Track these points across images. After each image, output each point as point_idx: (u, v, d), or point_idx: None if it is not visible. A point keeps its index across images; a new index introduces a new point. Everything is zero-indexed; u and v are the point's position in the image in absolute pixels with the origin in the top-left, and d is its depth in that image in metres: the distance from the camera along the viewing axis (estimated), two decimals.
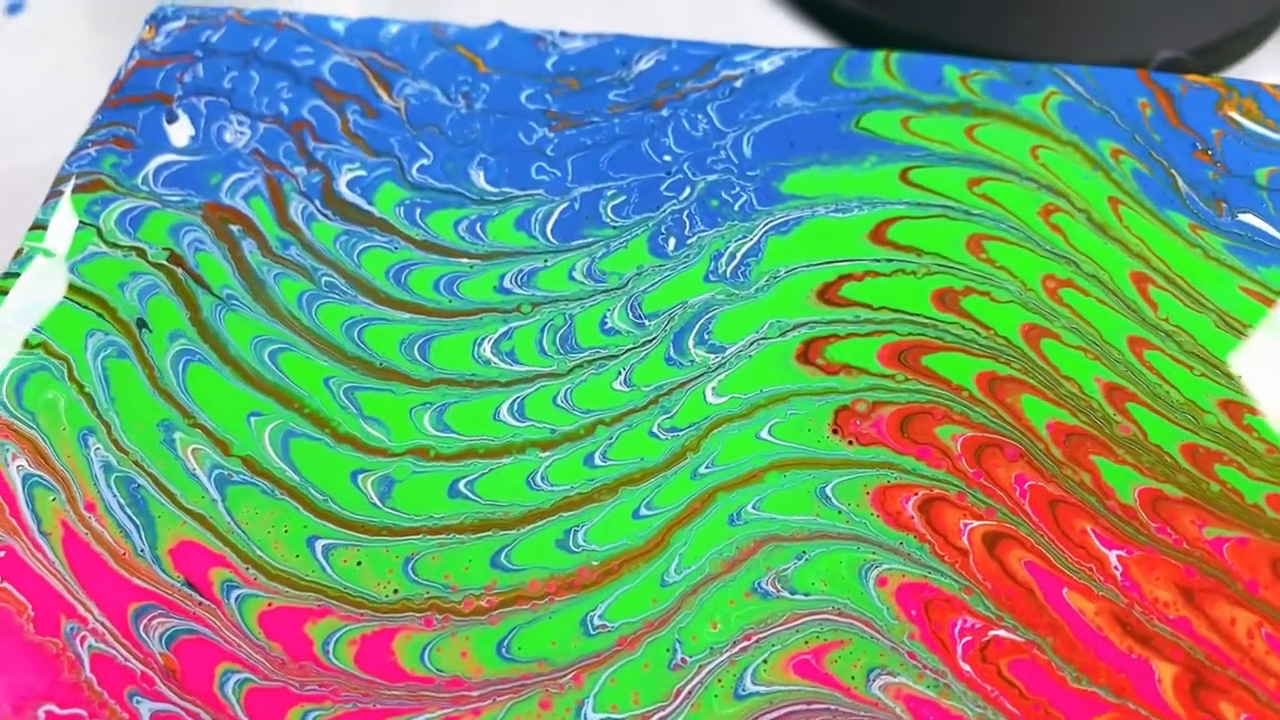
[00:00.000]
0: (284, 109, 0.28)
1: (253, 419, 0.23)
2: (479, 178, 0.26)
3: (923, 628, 0.20)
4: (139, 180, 0.26)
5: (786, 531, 0.21)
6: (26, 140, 0.36)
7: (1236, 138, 0.26)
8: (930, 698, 0.19)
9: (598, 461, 0.22)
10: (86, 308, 0.24)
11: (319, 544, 0.21)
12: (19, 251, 0.25)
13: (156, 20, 0.30)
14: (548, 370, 0.23)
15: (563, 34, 0.29)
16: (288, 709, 0.19)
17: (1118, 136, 0.26)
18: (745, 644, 0.20)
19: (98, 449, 0.22)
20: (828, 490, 0.21)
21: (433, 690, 0.19)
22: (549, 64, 0.28)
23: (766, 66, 0.28)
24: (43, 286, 0.25)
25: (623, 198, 0.25)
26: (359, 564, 0.21)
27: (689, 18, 0.38)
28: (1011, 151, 0.26)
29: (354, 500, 0.21)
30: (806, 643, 0.20)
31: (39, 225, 0.26)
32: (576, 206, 0.25)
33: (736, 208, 0.25)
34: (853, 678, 0.19)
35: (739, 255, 0.24)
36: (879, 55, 0.28)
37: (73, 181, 0.27)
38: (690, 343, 0.23)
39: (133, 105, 0.28)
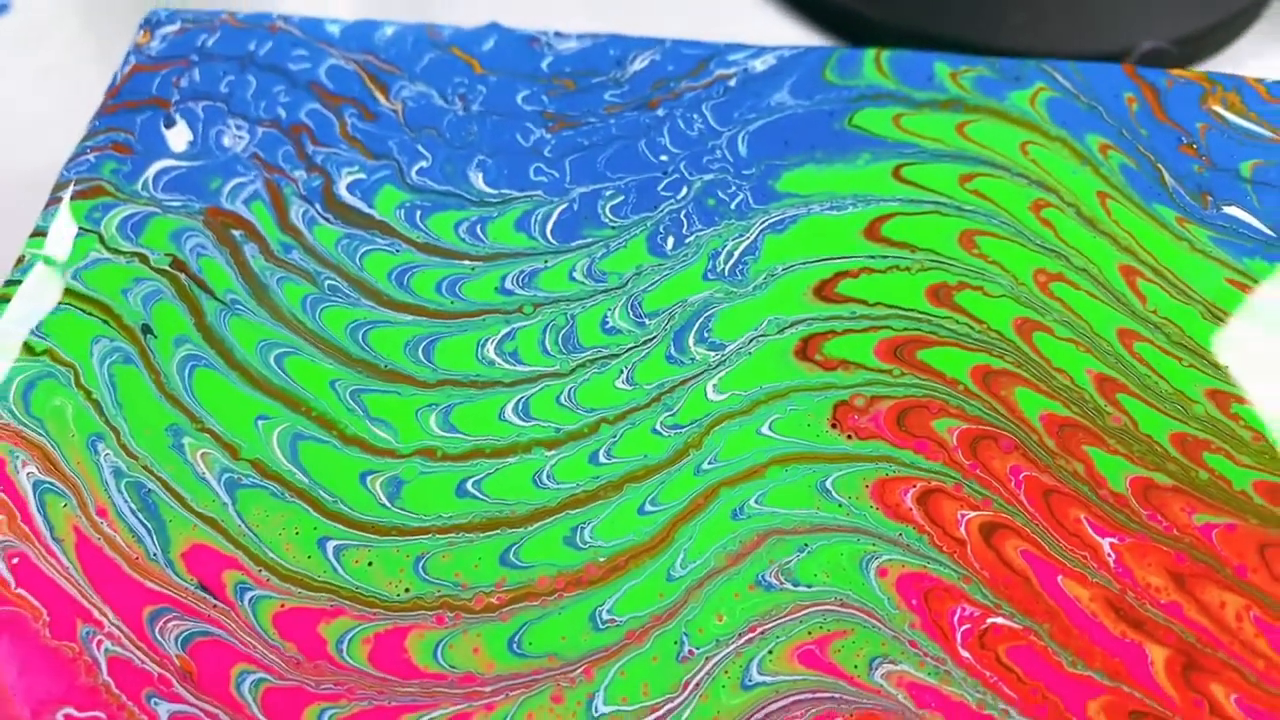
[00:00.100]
0: (281, 113, 0.28)
1: (260, 422, 0.23)
2: (478, 179, 0.26)
3: (923, 616, 0.20)
4: (139, 186, 0.27)
5: (788, 525, 0.21)
6: (19, 143, 0.36)
7: (1221, 131, 0.26)
8: (931, 684, 0.19)
9: (602, 459, 0.22)
10: (91, 314, 0.24)
11: (330, 545, 0.21)
12: (20, 259, 0.26)
13: (151, 25, 0.30)
14: (551, 370, 0.23)
15: (557, 34, 0.29)
16: (304, 707, 0.20)
17: (1105, 131, 0.26)
18: (751, 635, 0.20)
19: (107, 454, 0.22)
20: (828, 484, 0.22)
21: (446, 686, 0.20)
22: (544, 65, 0.28)
23: (759, 65, 0.28)
24: (45, 293, 0.25)
25: (621, 198, 0.26)
26: (370, 564, 0.21)
27: (676, 10, 0.38)
28: (1002, 147, 0.26)
29: (363, 501, 0.22)
30: (810, 633, 0.20)
31: (39, 232, 0.26)
32: (575, 207, 0.26)
33: (733, 206, 0.26)
34: (856, 666, 0.20)
35: (736, 254, 0.25)
36: (870, 53, 0.28)
37: (71, 188, 0.27)
38: (690, 341, 0.24)
39: (130, 110, 0.28)
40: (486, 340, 0.24)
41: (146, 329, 0.24)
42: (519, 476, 0.22)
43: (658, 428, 0.22)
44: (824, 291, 0.24)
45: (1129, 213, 0.25)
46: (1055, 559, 0.21)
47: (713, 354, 0.23)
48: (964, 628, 0.20)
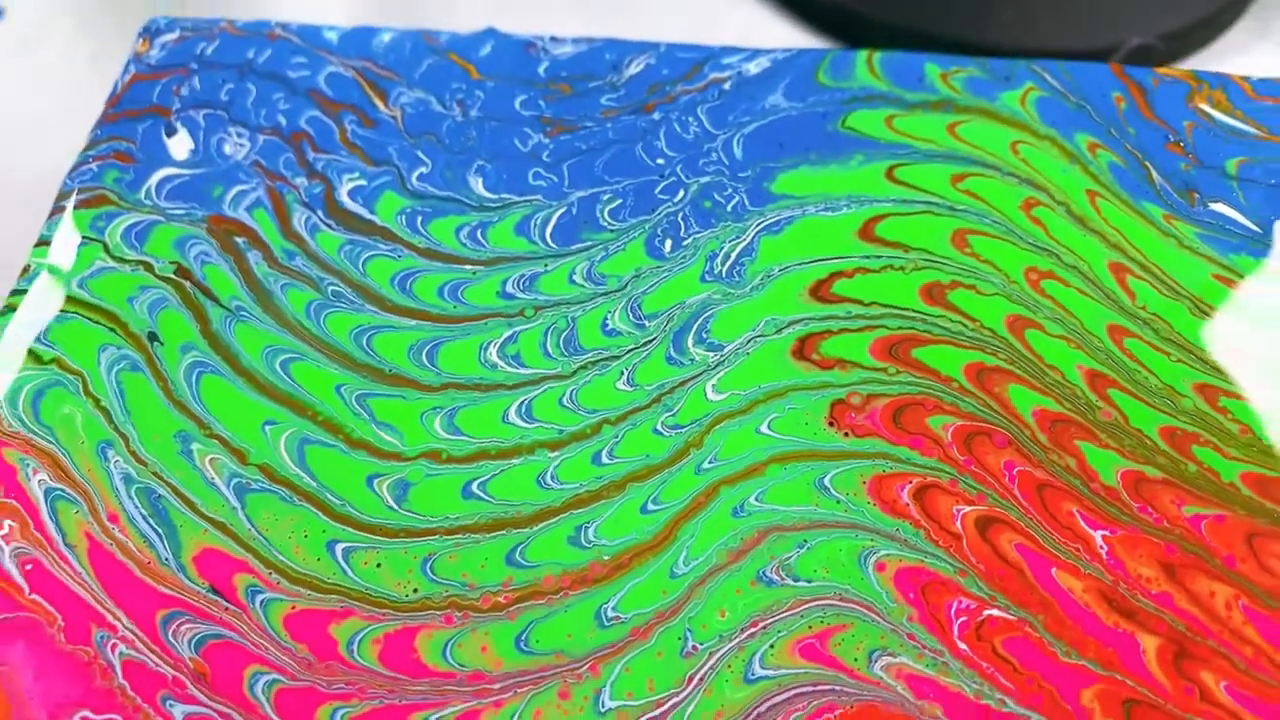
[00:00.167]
0: (282, 120, 0.28)
1: (268, 427, 0.23)
2: (477, 184, 0.27)
3: (921, 610, 0.21)
4: (142, 194, 0.27)
5: (788, 522, 0.22)
6: (15, 147, 0.37)
7: (1207, 129, 0.27)
8: (930, 676, 0.20)
9: (605, 459, 0.23)
10: (98, 323, 0.25)
11: (339, 547, 0.22)
12: (26, 268, 0.26)
13: (150, 33, 0.30)
14: (553, 372, 0.24)
15: (553, 39, 0.29)
16: (317, 707, 0.20)
17: (1094, 130, 0.27)
18: (753, 630, 0.21)
19: (117, 461, 0.23)
20: (826, 481, 0.22)
21: (455, 685, 0.20)
22: (541, 70, 0.29)
23: (753, 68, 0.28)
24: (50, 302, 0.25)
25: (619, 201, 0.26)
26: (379, 565, 0.21)
27: (669, 11, 0.39)
28: (992, 147, 0.27)
29: (371, 504, 0.22)
30: (811, 627, 0.21)
31: (43, 241, 0.26)
32: (574, 211, 0.26)
33: (729, 209, 0.26)
34: (856, 659, 0.20)
35: (733, 255, 0.25)
36: (862, 55, 0.28)
37: (74, 197, 0.27)
38: (689, 342, 0.24)
39: (131, 119, 0.28)
40: (489, 344, 0.24)
41: (153, 336, 0.25)
42: (523, 477, 0.22)
43: (659, 428, 0.23)
44: (820, 292, 0.25)
45: (1118, 210, 0.26)
46: (1049, 552, 0.21)
47: (711, 355, 0.24)
48: (961, 620, 0.20)
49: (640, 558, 0.21)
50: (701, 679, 0.20)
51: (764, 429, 0.23)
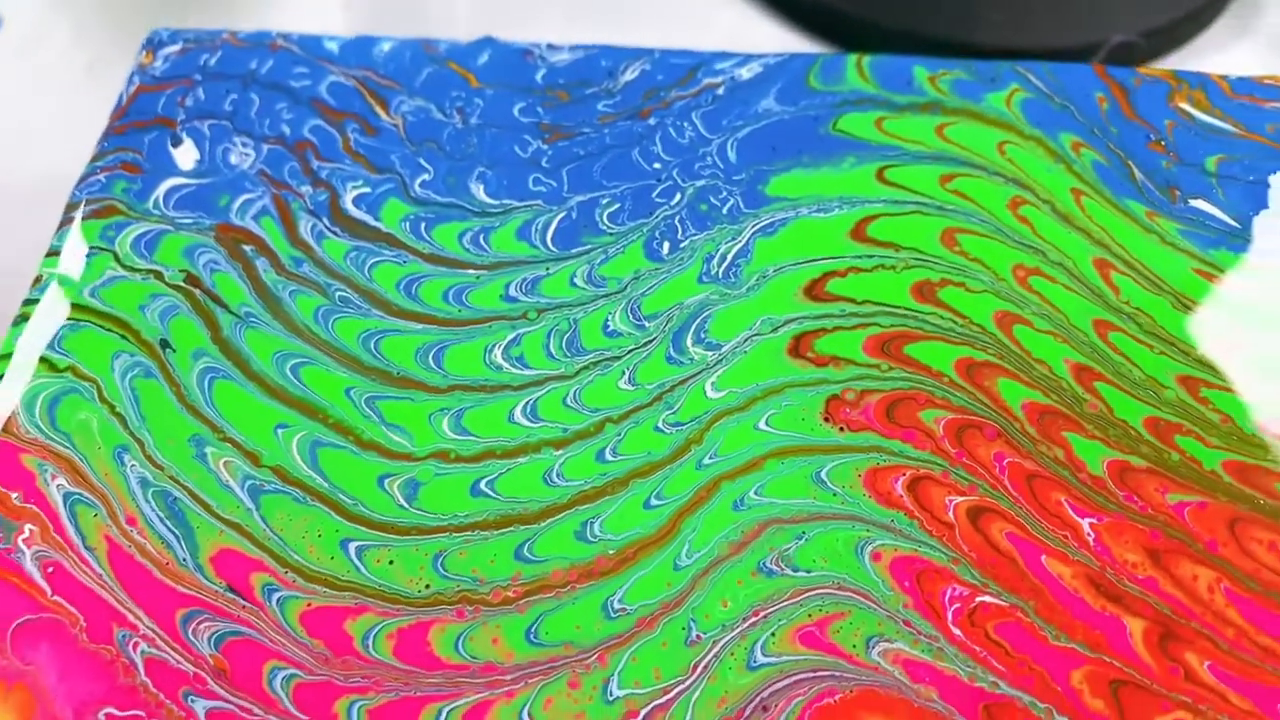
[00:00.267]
0: (285, 130, 0.29)
1: (280, 431, 0.24)
2: (479, 190, 0.27)
3: (915, 597, 0.21)
4: (150, 204, 0.27)
5: (787, 514, 0.22)
6: (13, 155, 0.37)
7: (1187, 128, 0.28)
8: (926, 661, 0.21)
9: (608, 457, 0.23)
10: (110, 330, 0.25)
11: (352, 546, 0.22)
12: (37, 278, 0.27)
13: (153, 45, 0.31)
14: (556, 373, 0.24)
15: (550, 47, 0.30)
16: (334, 700, 0.21)
17: (1077, 130, 0.28)
18: (754, 619, 0.21)
19: (133, 465, 0.23)
20: (823, 474, 0.23)
21: (468, 676, 0.21)
22: (538, 77, 0.29)
23: (746, 73, 0.29)
24: (62, 311, 0.26)
25: (617, 205, 0.27)
26: (391, 563, 0.22)
27: (662, 15, 0.39)
28: (980, 148, 0.27)
29: (382, 503, 0.23)
30: (810, 616, 0.21)
31: (53, 252, 0.27)
32: (574, 215, 0.27)
33: (725, 211, 0.27)
34: (854, 646, 0.21)
35: (729, 257, 0.26)
36: (852, 59, 0.29)
37: (83, 208, 0.28)
38: (688, 341, 0.25)
39: (138, 130, 0.29)
40: (494, 346, 0.25)
41: (165, 343, 0.25)
42: (530, 475, 0.23)
43: (660, 425, 0.24)
44: (814, 291, 0.25)
45: (1101, 208, 0.26)
46: (1038, 539, 0.22)
47: (710, 354, 0.25)
48: (954, 606, 0.21)
49: (644, 551, 0.22)
50: (706, 667, 0.21)
51: (762, 425, 0.23)
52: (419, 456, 0.23)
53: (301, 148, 0.28)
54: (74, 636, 0.21)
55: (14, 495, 0.23)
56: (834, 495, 0.23)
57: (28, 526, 0.23)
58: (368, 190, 0.27)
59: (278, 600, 0.22)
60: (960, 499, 0.22)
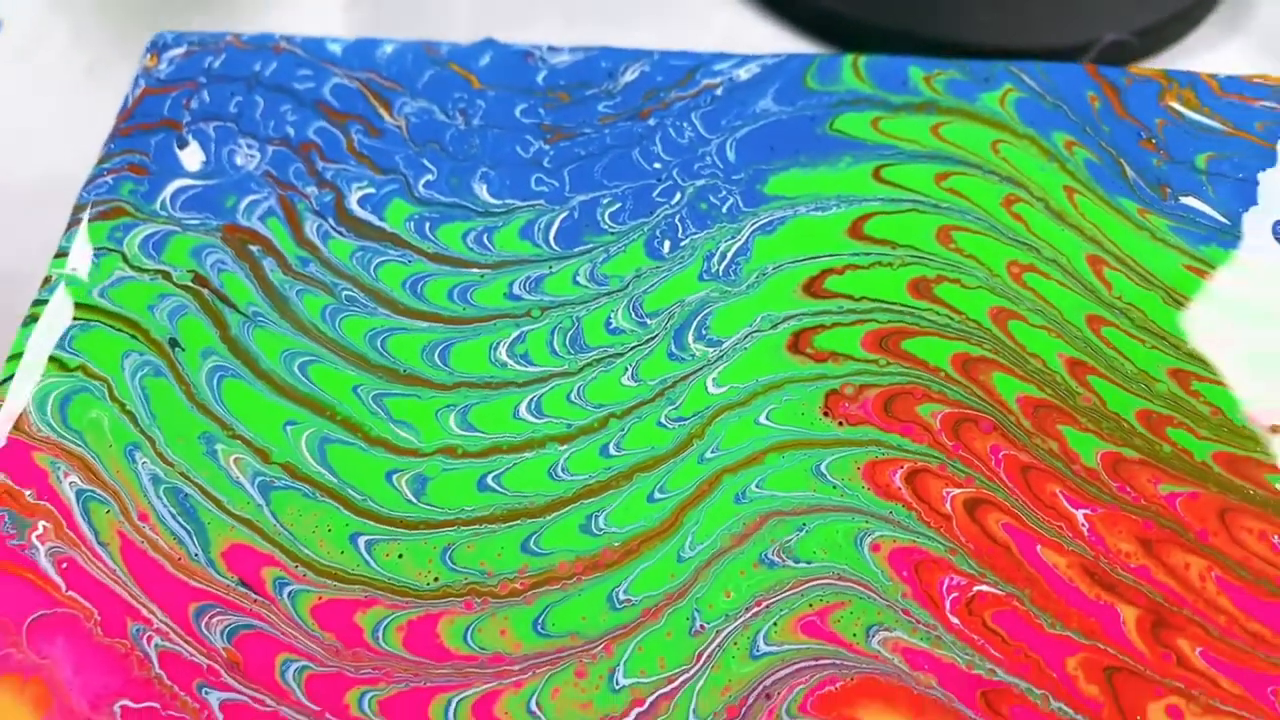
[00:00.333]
0: (290, 131, 0.29)
1: (289, 428, 0.24)
2: (482, 191, 0.28)
3: (914, 587, 0.22)
4: (157, 205, 0.28)
5: (787, 507, 0.23)
6: (13, 157, 0.37)
7: (1178, 126, 0.28)
8: (924, 649, 0.21)
9: (612, 452, 0.24)
10: (120, 330, 0.26)
11: (361, 540, 0.23)
12: (47, 279, 0.27)
13: (158, 48, 0.31)
14: (560, 370, 0.25)
15: (550, 49, 0.31)
16: (345, 691, 0.21)
17: (1070, 129, 0.28)
18: (756, 609, 0.22)
19: (145, 463, 0.24)
20: (822, 468, 0.23)
21: (477, 667, 0.21)
22: (539, 78, 0.30)
23: (744, 74, 0.30)
24: (71, 311, 0.26)
25: (618, 205, 0.27)
26: (400, 556, 0.23)
27: (659, 16, 0.40)
28: (974, 147, 0.28)
29: (391, 498, 0.23)
30: (811, 605, 0.22)
31: (61, 253, 0.27)
32: (576, 215, 0.27)
33: (724, 210, 0.27)
34: (854, 635, 0.21)
35: (729, 255, 0.26)
36: (848, 59, 0.30)
37: (90, 209, 0.28)
38: (690, 338, 0.25)
39: (144, 133, 0.29)
40: (498, 343, 0.25)
41: (174, 342, 0.26)
42: (535, 470, 0.24)
43: (662, 421, 0.24)
44: (812, 288, 0.26)
45: (1094, 205, 0.27)
46: (1034, 530, 0.22)
47: (711, 350, 0.25)
48: (952, 596, 0.22)
49: (649, 543, 0.23)
50: (709, 656, 0.21)
51: (762, 420, 0.24)
52: (426, 452, 0.24)
53: (306, 149, 0.29)
54: (89, 631, 0.22)
55: (27, 492, 0.23)
56: (833, 488, 0.23)
57: (41, 523, 0.23)
58: (372, 191, 0.28)
59: (289, 594, 0.22)
60: (957, 491, 0.23)
